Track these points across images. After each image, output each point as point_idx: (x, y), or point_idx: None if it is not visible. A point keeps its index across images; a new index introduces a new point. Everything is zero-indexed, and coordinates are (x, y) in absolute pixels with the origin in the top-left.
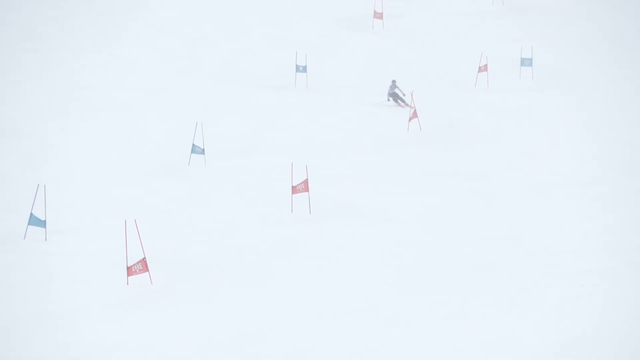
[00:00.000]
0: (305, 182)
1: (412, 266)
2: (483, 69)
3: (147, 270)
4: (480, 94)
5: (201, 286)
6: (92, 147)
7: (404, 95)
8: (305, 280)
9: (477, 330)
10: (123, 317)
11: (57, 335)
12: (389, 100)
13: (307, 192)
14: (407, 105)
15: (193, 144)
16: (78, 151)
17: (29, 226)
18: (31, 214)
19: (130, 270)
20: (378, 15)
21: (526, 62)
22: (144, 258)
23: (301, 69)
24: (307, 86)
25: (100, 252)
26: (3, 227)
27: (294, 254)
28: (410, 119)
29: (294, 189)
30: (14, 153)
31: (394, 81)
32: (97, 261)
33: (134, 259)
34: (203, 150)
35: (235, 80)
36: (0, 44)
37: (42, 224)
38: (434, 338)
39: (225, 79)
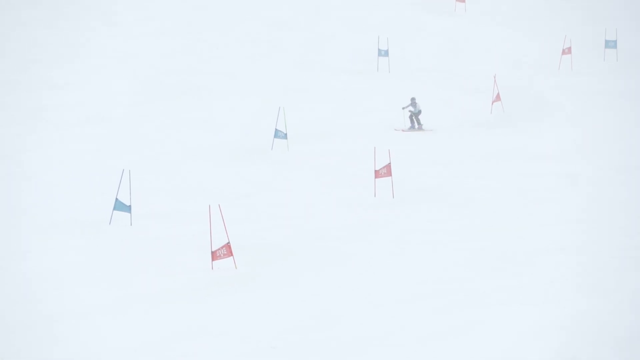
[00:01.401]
0: (388, 166)
1: (491, 250)
2: (567, 51)
3: (232, 254)
4: (564, 76)
5: (284, 270)
6: (175, 131)
7: (417, 112)
8: (386, 263)
9: (556, 312)
10: (208, 300)
11: (144, 319)
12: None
13: (389, 177)
14: (419, 127)
15: (276, 129)
16: (161, 136)
17: (114, 211)
18: (116, 199)
19: (214, 255)
20: None
21: (610, 44)
22: (228, 242)
23: (383, 52)
24: (389, 70)
25: (184, 237)
26: (89, 212)
27: (375, 237)
28: (493, 102)
29: (377, 173)
30: (98, 138)
31: (413, 99)
32: (181, 246)
33: (218, 243)
34: (285, 134)
35: (315, 64)
36: (87, 30)
37: (127, 209)
38: (515, 321)
39: (306, 63)
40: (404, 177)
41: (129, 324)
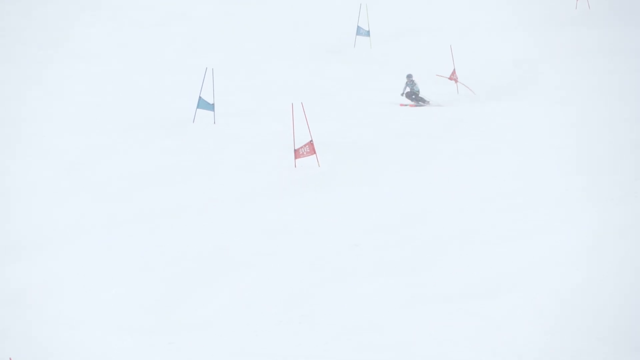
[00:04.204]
0: (453, 72)
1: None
2: None
3: (314, 152)
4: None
5: (366, 168)
6: (258, 30)
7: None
8: (471, 160)
9: None
10: (291, 198)
11: (229, 217)
12: (402, 94)
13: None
14: (427, 102)
15: (358, 26)
16: (245, 34)
17: (198, 109)
18: (200, 97)
19: (297, 153)
20: None
21: None
22: (311, 140)
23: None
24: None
25: (267, 135)
26: (173, 110)
27: (459, 134)
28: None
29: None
30: (181, 37)
31: (409, 76)
32: (265, 144)
33: (300, 141)
34: (368, 32)
35: None
36: None
37: (210, 107)
38: (589, 220)
39: None
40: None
41: (213, 223)
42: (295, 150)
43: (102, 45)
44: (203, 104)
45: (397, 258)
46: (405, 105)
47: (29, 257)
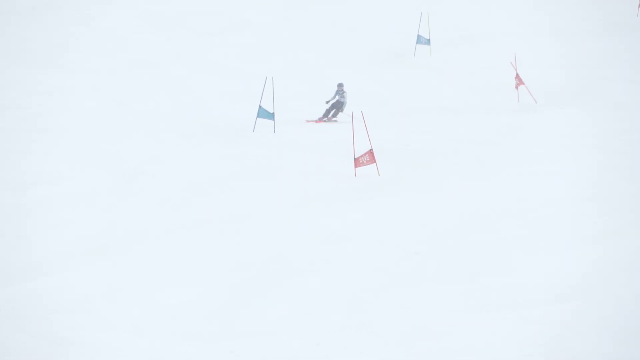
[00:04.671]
0: (517, 75)
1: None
2: None
3: (374, 161)
4: None
5: (426, 176)
6: (317, 37)
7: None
8: (532, 167)
9: None
10: (351, 206)
11: (288, 223)
12: (327, 103)
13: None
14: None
15: (418, 35)
16: (304, 41)
17: (258, 118)
18: (260, 106)
19: (357, 162)
20: None
21: None
22: (371, 149)
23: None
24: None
25: (327, 144)
26: (233, 119)
27: (519, 141)
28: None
29: (518, 80)
30: (240, 44)
31: (340, 85)
32: (324, 153)
33: (361, 149)
34: (428, 40)
35: None
36: None
37: (270, 116)
38: None
39: None
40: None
41: (273, 230)
42: (355, 159)
43: (161, 52)
44: (263, 113)
45: (458, 265)
46: (312, 121)
47: (92, 264)
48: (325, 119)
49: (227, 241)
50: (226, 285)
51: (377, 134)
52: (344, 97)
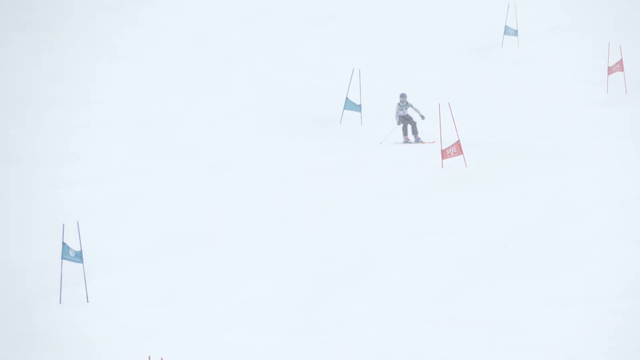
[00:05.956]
0: (620, 61)
1: None
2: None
3: (462, 153)
4: None
5: (514, 168)
6: (403, 29)
7: (422, 117)
8: (621, 161)
9: None
10: (437, 198)
11: (375, 215)
12: (399, 124)
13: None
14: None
15: (506, 26)
16: (389, 33)
17: (345, 110)
18: (347, 98)
19: (444, 153)
20: None
21: None
22: (458, 141)
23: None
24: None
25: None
26: (320, 111)
27: (608, 134)
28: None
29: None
30: (327, 37)
31: (403, 96)
32: (411, 145)
33: (448, 141)
34: (516, 31)
35: None
36: None
37: (357, 108)
38: None
39: None
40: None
41: (359, 223)
42: (442, 151)
43: (246, 47)
44: (350, 105)
45: (543, 259)
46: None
47: (176, 257)
48: (409, 139)
49: (312, 235)
50: (311, 279)
51: (464, 126)
52: (405, 108)
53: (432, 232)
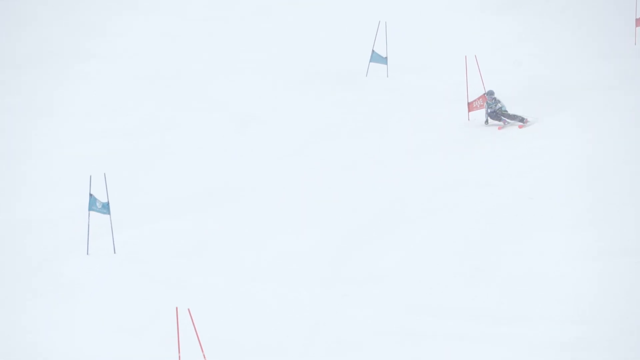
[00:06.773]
0: None
1: None
2: None
3: None
4: None
5: (543, 122)
6: None
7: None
8: None
9: None
10: (464, 152)
11: (403, 171)
12: (487, 122)
13: None
14: (522, 121)
15: None
16: None
17: (371, 63)
18: (373, 51)
19: (471, 106)
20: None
21: None
22: (484, 93)
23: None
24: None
25: (442, 87)
26: (346, 64)
27: None
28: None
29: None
30: None
31: (490, 93)
32: (438, 97)
33: (474, 94)
34: None
35: None
36: None
37: (383, 60)
38: None
39: None
40: None
41: (386, 177)
42: (469, 103)
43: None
44: (376, 57)
45: (573, 212)
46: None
47: (206, 210)
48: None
49: (340, 190)
50: (340, 233)
51: (491, 78)
52: (494, 105)
53: (462, 183)
